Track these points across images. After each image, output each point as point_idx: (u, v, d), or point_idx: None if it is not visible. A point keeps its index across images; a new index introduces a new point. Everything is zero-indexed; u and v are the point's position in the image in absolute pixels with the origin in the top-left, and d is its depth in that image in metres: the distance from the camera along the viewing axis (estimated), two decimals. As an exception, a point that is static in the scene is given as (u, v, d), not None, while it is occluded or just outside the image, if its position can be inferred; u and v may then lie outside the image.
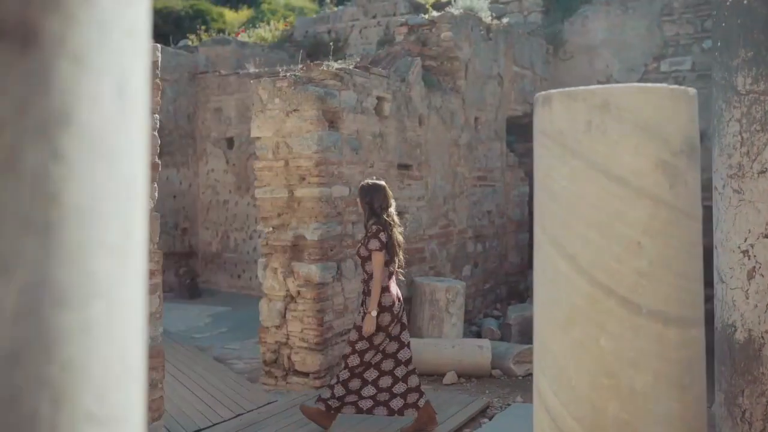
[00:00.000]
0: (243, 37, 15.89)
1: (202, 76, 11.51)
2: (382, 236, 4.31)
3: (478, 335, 7.38)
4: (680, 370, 1.95)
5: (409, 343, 4.56)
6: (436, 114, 7.20)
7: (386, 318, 4.37)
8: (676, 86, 1.96)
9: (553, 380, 2.06)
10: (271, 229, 5.70)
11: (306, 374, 5.57)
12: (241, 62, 11.92)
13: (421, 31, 7.61)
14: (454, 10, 7.69)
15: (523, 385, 5.80)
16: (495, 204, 8.51)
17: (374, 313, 4.31)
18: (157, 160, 4.14)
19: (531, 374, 5.92)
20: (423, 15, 7.83)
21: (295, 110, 5.57)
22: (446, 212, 7.42)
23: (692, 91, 2.00)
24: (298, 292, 5.59)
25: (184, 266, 10.69)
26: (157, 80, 4.11)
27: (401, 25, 7.81)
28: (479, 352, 5.92)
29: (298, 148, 5.57)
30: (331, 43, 9.89)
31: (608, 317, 1.94)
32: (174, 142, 11.25)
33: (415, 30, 7.65)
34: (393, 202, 4.50)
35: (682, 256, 1.95)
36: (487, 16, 8.30)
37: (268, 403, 5.16)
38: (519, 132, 9.08)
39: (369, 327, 4.31)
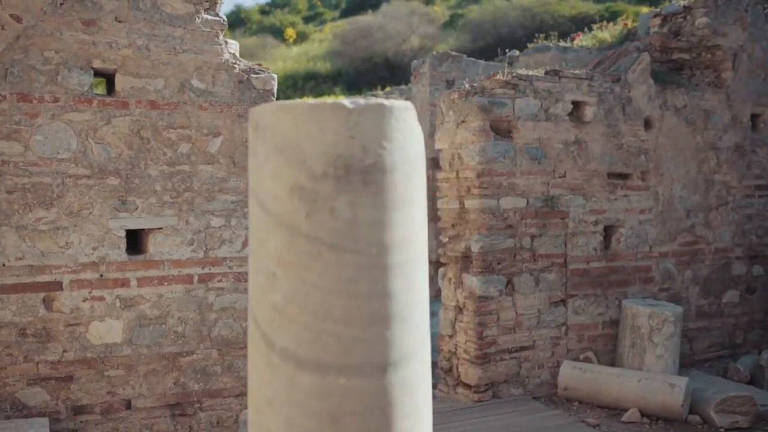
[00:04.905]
0: (584, 39, 15.48)
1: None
2: None
3: (725, 375, 6.22)
4: (317, 421, 1.72)
5: None
6: (675, 114, 6.26)
7: None
8: (325, 101, 1.72)
9: (250, 411, 1.99)
10: (448, 239, 5.77)
11: (469, 386, 5.51)
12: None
13: (674, 21, 6.69)
14: (720, -9, 6.56)
15: (718, 439, 4.80)
16: (790, 218, 6.97)
17: None
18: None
19: (737, 428, 4.90)
20: (680, 1, 6.83)
21: (463, 121, 5.55)
22: (691, 227, 6.39)
23: (358, 104, 1.71)
24: (464, 304, 5.55)
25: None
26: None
27: (655, 15, 6.94)
28: (669, 391, 5.06)
29: (465, 159, 5.53)
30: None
31: (255, 351, 1.83)
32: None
33: (669, 20, 6.76)
34: None
35: (323, 294, 1.72)
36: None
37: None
38: None
39: None
